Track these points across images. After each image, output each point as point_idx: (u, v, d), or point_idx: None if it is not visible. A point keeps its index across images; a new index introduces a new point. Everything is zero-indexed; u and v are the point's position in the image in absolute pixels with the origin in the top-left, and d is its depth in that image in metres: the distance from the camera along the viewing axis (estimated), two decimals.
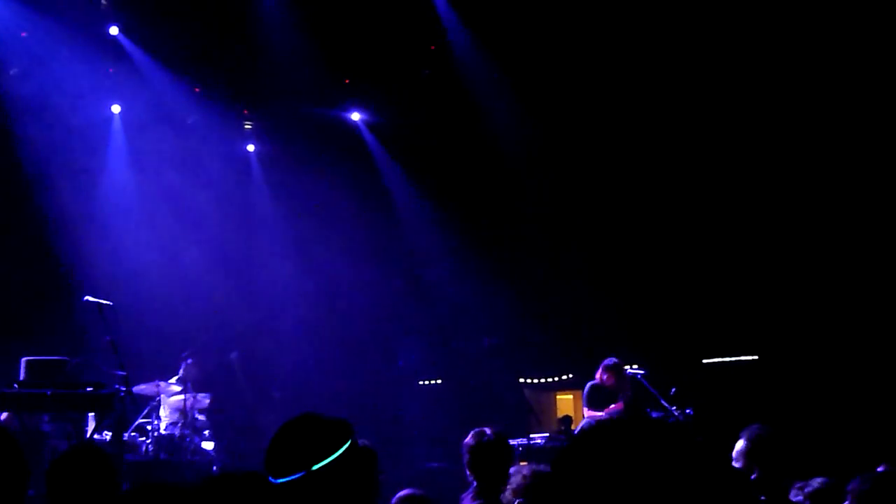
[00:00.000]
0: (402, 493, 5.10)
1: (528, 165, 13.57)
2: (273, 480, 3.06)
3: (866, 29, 10.82)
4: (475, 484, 5.37)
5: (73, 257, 12.06)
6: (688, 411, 10.49)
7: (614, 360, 10.82)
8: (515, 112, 13.12)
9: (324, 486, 3.05)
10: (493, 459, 5.35)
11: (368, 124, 14.32)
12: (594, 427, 1.88)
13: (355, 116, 14.13)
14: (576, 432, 10.52)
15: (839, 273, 11.90)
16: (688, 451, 1.78)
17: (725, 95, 12.09)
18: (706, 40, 11.81)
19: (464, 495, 5.55)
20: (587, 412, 10.70)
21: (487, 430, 5.51)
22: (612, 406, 10.55)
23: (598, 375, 10.83)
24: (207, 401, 11.14)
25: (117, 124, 13.51)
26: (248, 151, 14.81)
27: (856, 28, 10.88)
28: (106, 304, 9.55)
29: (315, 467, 3.04)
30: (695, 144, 12.66)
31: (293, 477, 3.04)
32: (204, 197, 13.55)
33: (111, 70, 12.84)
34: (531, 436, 10.93)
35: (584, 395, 10.83)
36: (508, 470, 5.31)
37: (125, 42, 12.65)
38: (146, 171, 13.30)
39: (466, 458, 5.43)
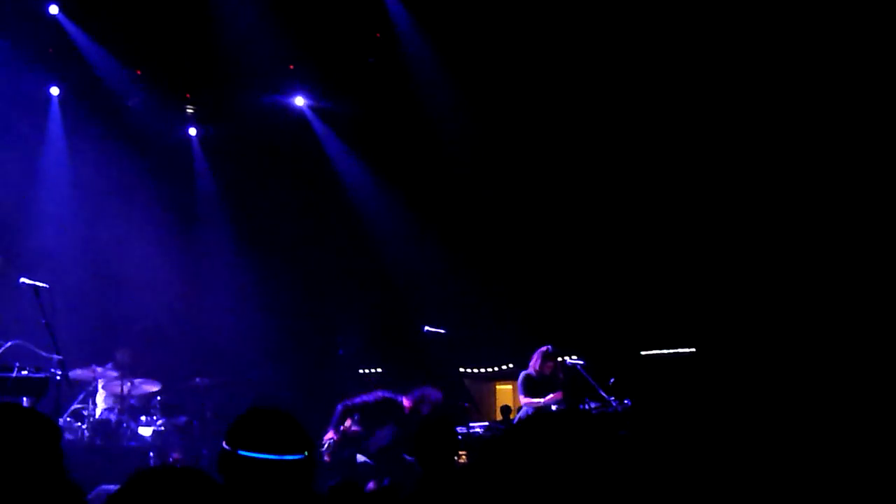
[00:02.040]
0: (332, 482, 5.14)
1: (475, 154, 13.59)
2: (279, 457, 3.12)
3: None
4: (421, 470, 5.38)
5: (7, 239, 11.83)
6: (626, 402, 10.60)
7: (549, 347, 10.95)
8: (461, 96, 13.12)
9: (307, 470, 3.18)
10: (440, 446, 5.37)
11: (313, 109, 14.22)
12: (528, 419, 1.91)
13: (299, 101, 14.02)
14: (514, 421, 10.59)
15: (776, 266, 12.09)
16: (610, 443, 1.82)
17: (674, 76, 12.19)
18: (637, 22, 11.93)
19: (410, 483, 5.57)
20: (523, 400, 10.80)
21: (434, 418, 5.55)
22: (551, 395, 10.66)
23: (532, 363, 10.94)
24: (146, 386, 11.01)
25: (56, 106, 13.27)
26: (190, 135, 14.63)
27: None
28: (42, 287, 9.40)
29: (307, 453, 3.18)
30: (634, 136, 12.77)
31: (299, 457, 3.14)
32: (144, 180, 13.38)
33: (50, 50, 12.60)
34: (471, 425, 10.97)
35: (520, 384, 10.93)
36: (454, 456, 5.35)
37: (65, 22, 12.41)
38: (85, 153, 13.07)
39: (413, 445, 5.45)
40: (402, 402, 9.59)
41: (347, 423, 9.18)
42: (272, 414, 3.27)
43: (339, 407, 9.47)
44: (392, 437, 8.67)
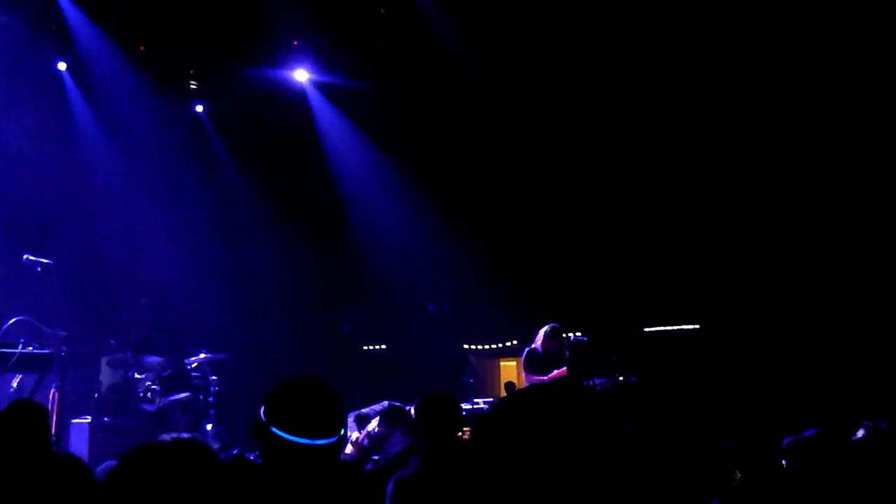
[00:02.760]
0: None
1: (477, 127, 13.55)
2: (311, 442, 3.16)
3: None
4: (426, 445, 5.36)
5: (12, 214, 11.80)
6: (631, 378, 10.61)
7: (555, 324, 10.92)
8: (470, 75, 13.03)
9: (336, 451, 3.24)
10: (444, 421, 5.34)
11: (317, 84, 14.15)
12: (520, 391, 1.89)
13: (302, 77, 13.92)
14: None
15: (778, 245, 12.09)
16: (611, 417, 1.80)
17: (685, 51, 12.14)
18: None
19: (413, 456, 5.55)
20: (526, 377, 10.80)
21: (437, 393, 5.52)
22: (556, 371, 10.66)
23: (538, 341, 10.93)
24: (150, 362, 11.02)
25: (70, 81, 13.22)
26: (196, 111, 14.55)
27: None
28: (46, 263, 9.41)
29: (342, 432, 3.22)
30: (637, 114, 12.74)
31: (331, 440, 3.19)
32: (151, 156, 13.35)
33: (53, 26, 12.54)
34: (475, 401, 10.99)
35: (524, 361, 10.93)
36: (457, 432, 5.33)
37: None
38: (92, 126, 13.05)
39: (417, 419, 5.42)
40: (408, 410, 9.57)
41: (369, 428, 9.19)
42: (310, 389, 3.29)
43: (351, 415, 9.49)
44: (405, 442, 8.67)
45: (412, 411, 9.06)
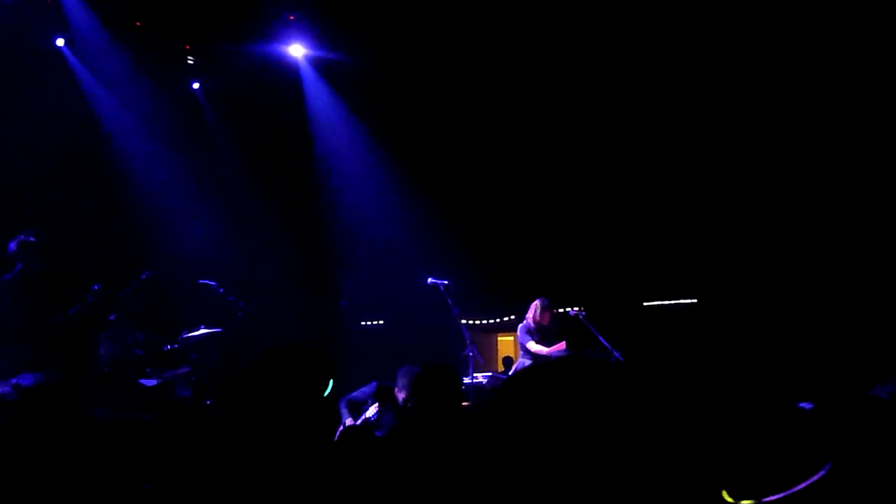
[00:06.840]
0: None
1: (469, 101, 13.50)
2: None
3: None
4: (417, 414, 5.31)
5: (11, 192, 11.75)
6: (627, 352, 10.63)
7: (543, 298, 10.99)
8: (463, 51, 12.98)
9: None
10: (444, 393, 5.29)
11: (312, 60, 14.07)
12: (535, 366, 1.88)
13: (297, 52, 13.82)
14: (511, 373, 10.62)
15: (776, 219, 12.10)
16: (624, 390, 1.79)
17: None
18: None
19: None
20: (534, 348, 10.81)
21: (438, 364, 5.48)
22: (556, 346, 10.71)
23: (531, 315, 10.98)
24: (149, 337, 11.02)
25: (71, 55, 13.11)
26: (193, 88, 14.46)
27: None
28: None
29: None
30: (632, 88, 12.71)
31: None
32: (148, 132, 13.29)
33: (48, 1, 12.44)
34: (474, 375, 11.01)
35: (523, 334, 10.95)
36: (457, 405, 5.31)
37: None
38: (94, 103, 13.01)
39: (416, 390, 5.38)
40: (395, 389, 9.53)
41: (368, 415, 9.16)
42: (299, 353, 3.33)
43: (342, 402, 9.40)
44: (395, 423, 8.63)
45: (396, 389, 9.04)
